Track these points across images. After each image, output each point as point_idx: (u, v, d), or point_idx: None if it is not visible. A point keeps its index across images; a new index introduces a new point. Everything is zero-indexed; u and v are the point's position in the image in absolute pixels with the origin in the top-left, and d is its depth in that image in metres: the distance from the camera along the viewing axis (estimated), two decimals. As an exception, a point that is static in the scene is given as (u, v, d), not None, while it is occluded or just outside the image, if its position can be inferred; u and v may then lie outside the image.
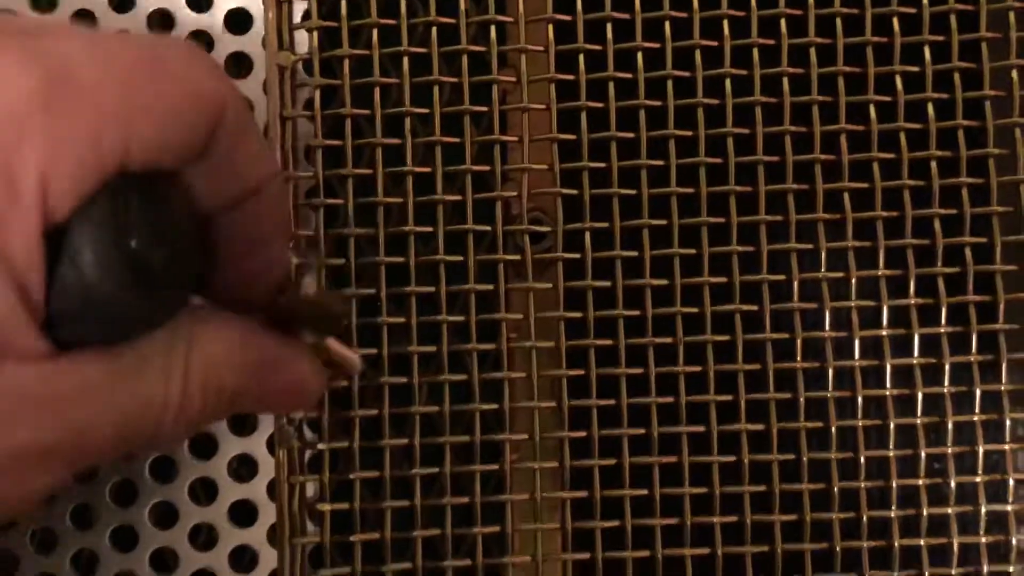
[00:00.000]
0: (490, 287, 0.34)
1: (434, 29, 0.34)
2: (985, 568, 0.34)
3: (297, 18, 0.34)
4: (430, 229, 0.34)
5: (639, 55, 0.34)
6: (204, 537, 0.35)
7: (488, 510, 0.34)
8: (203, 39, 0.34)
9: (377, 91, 0.34)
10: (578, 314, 0.34)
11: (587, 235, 0.34)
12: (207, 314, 0.24)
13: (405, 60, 0.34)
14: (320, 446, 0.33)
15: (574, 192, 0.34)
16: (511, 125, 0.35)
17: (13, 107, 0.19)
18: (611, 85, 0.34)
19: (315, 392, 0.27)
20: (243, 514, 0.34)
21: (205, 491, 0.35)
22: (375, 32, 0.34)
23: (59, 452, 0.20)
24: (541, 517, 0.34)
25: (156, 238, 0.21)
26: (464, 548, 0.34)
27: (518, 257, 0.34)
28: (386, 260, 0.33)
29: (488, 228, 0.34)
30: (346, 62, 0.34)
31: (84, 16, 0.34)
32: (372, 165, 0.34)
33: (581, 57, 0.34)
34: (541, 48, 0.34)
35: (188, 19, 0.34)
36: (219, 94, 0.22)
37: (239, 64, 0.35)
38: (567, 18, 0.34)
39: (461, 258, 0.34)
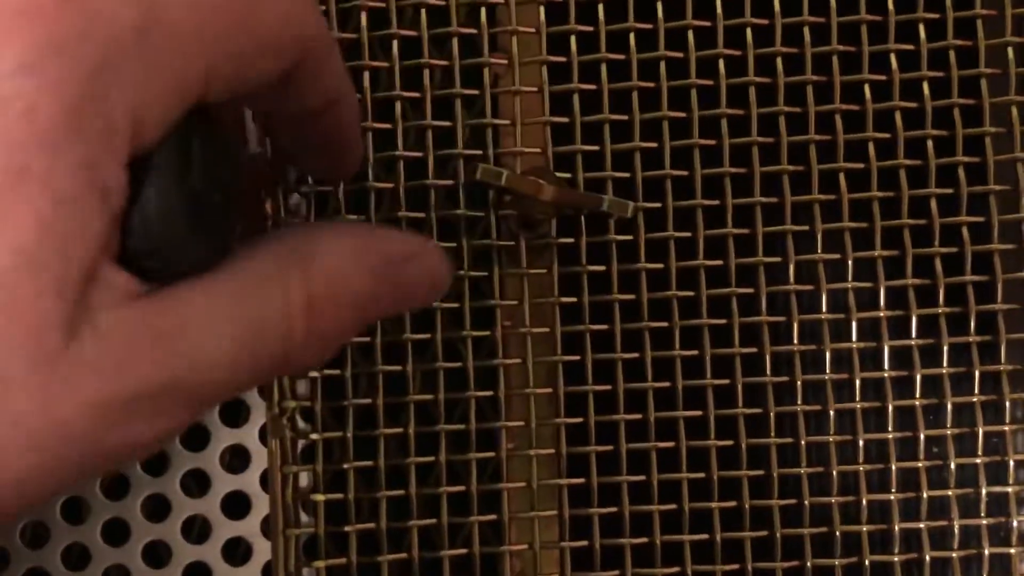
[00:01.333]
0: (484, 273, 0.34)
1: (423, 11, 0.34)
2: (986, 550, 0.34)
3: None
4: (422, 215, 0.33)
5: (632, 36, 0.34)
6: (197, 530, 0.34)
7: (484, 498, 0.33)
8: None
9: (367, 75, 0.33)
10: (573, 299, 0.34)
11: (582, 219, 0.34)
12: (318, 228, 0.24)
13: (395, 44, 0.33)
14: (313, 436, 0.33)
15: (568, 175, 0.34)
16: (503, 108, 0.34)
17: (116, 36, 0.18)
18: (604, 67, 0.34)
19: (448, 278, 0.26)
20: (236, 506, 0.34)
21: (197, 483, 0.34)
22: (364, 15, 0.33)
23: (175, 392, 0.19)
24: (538, 504, 0.33)
25: (214, 181, 0.21)
26: (460, 537, 0.34)
27: (512, 243, 0.34)
28: (378, 246, 0.33)
29: (482, 214, 0.34)
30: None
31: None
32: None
33: (573, 39, 0.34)
34: (532, 30, 0.34)
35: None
36: (304, 33, 0.22)
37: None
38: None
39: (454, 244, 0.33)
